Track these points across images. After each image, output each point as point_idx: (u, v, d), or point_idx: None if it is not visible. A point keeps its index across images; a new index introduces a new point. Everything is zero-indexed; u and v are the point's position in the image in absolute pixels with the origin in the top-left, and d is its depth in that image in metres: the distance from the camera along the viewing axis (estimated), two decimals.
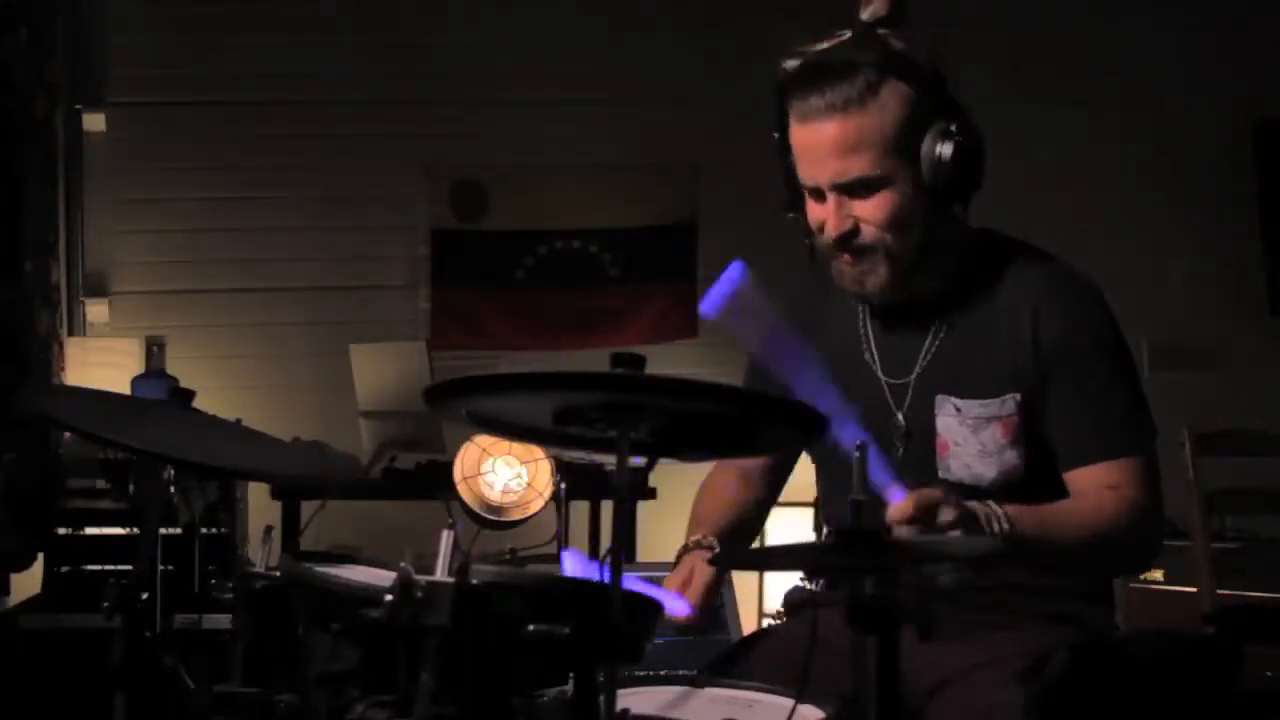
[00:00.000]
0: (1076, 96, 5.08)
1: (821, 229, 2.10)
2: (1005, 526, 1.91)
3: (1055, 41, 5.08)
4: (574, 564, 2.01)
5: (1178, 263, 5.13)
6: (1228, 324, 5.15)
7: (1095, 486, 2.08)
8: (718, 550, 2.20)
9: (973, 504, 1.92)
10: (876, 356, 2.20)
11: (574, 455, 3.89)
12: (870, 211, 2.06)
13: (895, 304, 2.17)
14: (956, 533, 1.85)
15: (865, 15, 2.07)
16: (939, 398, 2.12)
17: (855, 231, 2.07)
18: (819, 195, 2.09)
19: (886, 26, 2.06)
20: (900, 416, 2.15)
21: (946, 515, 1.85)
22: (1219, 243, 5.19)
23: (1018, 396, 2.09)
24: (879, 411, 2.15)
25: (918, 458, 2.12)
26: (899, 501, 1.85)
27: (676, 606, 2.07)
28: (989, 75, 4.99)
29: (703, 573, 2.14)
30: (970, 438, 2.10)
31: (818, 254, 2.14)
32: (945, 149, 2.03)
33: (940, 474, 2.12)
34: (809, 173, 2.09)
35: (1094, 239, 4.68)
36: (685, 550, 2.22)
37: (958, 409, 2.11)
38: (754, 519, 2.40)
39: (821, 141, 2.05)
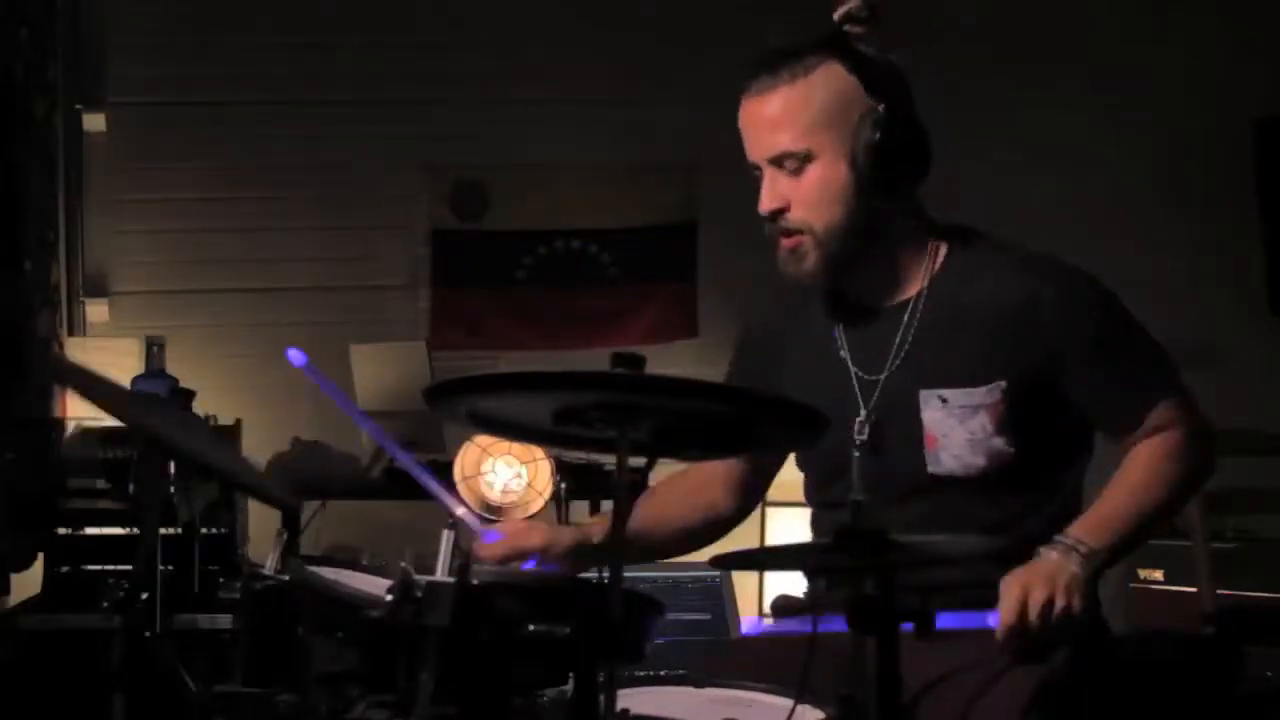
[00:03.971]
0: (1076, 96, 5.07)
1: None
2: (1082, 552, 1.95)
3: (1055, 41, 5.07)
4: None
5: (1178, 263, 5.12)
6: (1228, 324, 5.14)
7: (1145, 437, 2.11)
8: (595, 542, 2.19)
9: (1049, 559, 1.95)
10: (849, 352, 2.20)
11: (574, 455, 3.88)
12: (797, 191, 2.09)
13: (862, 299, 2.17)
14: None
15: (836, 15, 2.07)
16: (923, 392, 2.11)
17: (783, 210, 2.10)
18: (760, 175, 2.13)
19: (858, 26, 2.05)
20: (865, 412, 2.15)
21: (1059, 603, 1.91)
22: (1219, 243, 5.18)
23: (1004, 384, 2.09)
24: (845, 409, 2.15)
25: (903, 454, 2.12)
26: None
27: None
28: (987, 75, 5.02)
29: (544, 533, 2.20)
30: (958, 428, 2.10)
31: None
32: (874, 134, 2.04)
33: (930, 468, 2.12)
34: (748, 150, 2.15)
35: (1093, 239, 4.66)
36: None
37: (944, 400, 2.10)
38: (698, 530, 2.39)
39: (753, 116, 2.12)
